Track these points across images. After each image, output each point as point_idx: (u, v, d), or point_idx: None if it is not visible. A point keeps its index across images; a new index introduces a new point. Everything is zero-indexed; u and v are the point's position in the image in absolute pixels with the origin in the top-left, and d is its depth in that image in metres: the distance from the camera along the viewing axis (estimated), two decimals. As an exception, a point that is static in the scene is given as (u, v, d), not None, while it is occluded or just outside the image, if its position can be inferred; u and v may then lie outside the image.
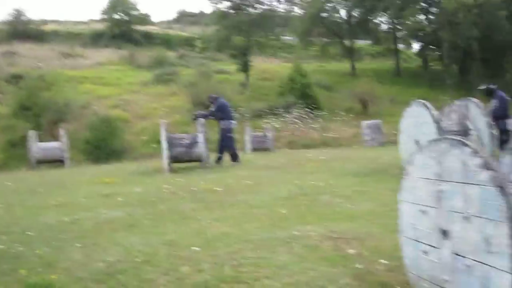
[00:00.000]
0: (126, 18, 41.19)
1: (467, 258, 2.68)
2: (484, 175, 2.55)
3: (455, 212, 2.78)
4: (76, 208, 6.82)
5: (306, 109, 24.03)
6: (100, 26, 42.94)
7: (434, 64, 37.99)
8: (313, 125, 23.07)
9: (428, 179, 3.05)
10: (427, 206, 3.07)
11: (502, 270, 2.42)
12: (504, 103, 10.51)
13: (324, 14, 35.42)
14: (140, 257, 4.23)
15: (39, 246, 4.68)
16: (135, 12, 41.90)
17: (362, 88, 25.88)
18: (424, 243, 3.10)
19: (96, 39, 41.32)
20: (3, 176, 13.71)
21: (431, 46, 36.89)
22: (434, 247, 2.99)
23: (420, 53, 38.17)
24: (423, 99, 25.22)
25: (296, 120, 23.06)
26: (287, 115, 23.51)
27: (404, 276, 3.36)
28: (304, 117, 23.43)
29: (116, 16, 41.25)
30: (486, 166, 2.54)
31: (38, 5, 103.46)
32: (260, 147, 17.87)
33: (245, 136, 18.58)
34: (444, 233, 2.89)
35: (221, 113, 12.55)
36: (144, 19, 43.01)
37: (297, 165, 11.17)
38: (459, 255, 2.75)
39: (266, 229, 5.00)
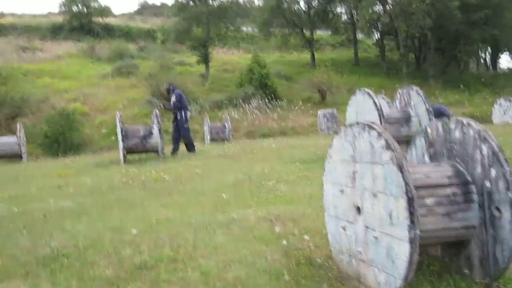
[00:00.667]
0: (86, 10, 40.51)
1: (375, 231, 2.95)
2: (386, 155, 2.85)
3: (366, 190, 3.05)
4: (27, 200, 6.98)
5: (265, 99, 24.34)
6: (59, 19, 42.16)
7: (391, 53, 38.72)
8: (271, 115, 23.39)
9: (345, 160, 3.32)
10: (344, 185, 3.33)
11: (401, 240, 2.69)
12: None
13: (284, 5, 35.59)
14: (85, 242, 4.44)
15: (-13, 235, 4.87)
16: (95, 4, 41.26)
17: (320, 78, 26.26)
18: (343, 220, 3.36)
19: (55, 32, 40.58)
20: (-42, 171, 13.60)
21: (388, 36, 37.62)
22: (351, 222, 3.26)
23: (378, 43, 38.80)
24: (380, 87, 25.94)
25: (255, 111, 23.34)
26: (246, 106, 23.77)
27: (328, 251, 3.65)
28: (263, 107, 23.74)
29: (76, 9, 40.51)
30: (388, 147, 2.86)
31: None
32: (218, 137, 18.06)
33: (204, 127, 18.78)
34: (358, 210, 3.16)
35: (179, 103, 12.72)
36: (105, 11, 42.35)
37: (249, 154, 11.45)
38: (369, 228, 3.03)
39: (208, 214, 5.27)
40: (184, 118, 12.59)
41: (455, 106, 25.73)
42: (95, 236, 4.65)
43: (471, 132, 3.04)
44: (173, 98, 12.68)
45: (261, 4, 35.88)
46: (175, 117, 12.70)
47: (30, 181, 9.33)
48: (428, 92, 26.49)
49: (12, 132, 19.09)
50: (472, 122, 3.07)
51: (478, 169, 3.00)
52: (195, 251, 4.04)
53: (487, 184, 2.93)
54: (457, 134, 3.17)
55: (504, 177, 2.82)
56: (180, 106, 12.64)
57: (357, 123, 3.19)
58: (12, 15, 47.91)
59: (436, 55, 33.14)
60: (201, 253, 3.96)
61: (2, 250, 4.38)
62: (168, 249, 4.10)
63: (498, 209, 2.86)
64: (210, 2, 30.49)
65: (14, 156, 17.04)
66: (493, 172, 2.89)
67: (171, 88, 13.00)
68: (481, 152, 2.97)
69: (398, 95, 9.76)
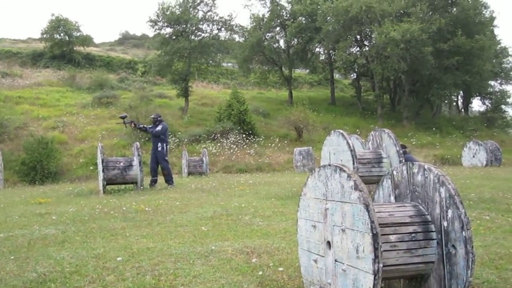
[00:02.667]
0: (67, 38, 40.56)
1: (343, 264, 3.23)
2: (355, 195, 3.18)
3: (336, 225, 3.34)
4: (11, 226, 7.12)
5: (243, 135, 24.70)
6: (40, 46, 42.14)
7: (367, 94, 39.63)
8: (248, 151, 23.69)
9: (317, 198, 3.64)
10: (317, 221, 3.63)
11: (366, 272, 2.97)
12: None
13: (264, 43, 36.30)
14: (70, 268, 4.65)
15: (-26, 259, 5.04)
16: (77, 33, 41.35)
17: (297, 116, 26.75)
18: (314, 253, 3.63)
19: (35, 58, 40.55)
20: None
21: (364, 77, 38.59)
22: (321, 256, 3.54)
23: (354, 83, 39.71)
24: (356, 127, 26.49)
25: (233, 146, 23.63)
26: (224, 140, 24.07)
27: (300, 282, 3.92)
28: (240, 143, 24.05)
29: (57, 36, 40.55)
30: (357, 187, 3.19)
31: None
32: (196, 171, 18.23)
33: (182, 160, 18.97)
34: (329, 244, 3.46)
35: (164, 136, 12.92)
36: (86, 40, 42.44)
37: (226, 188, 11.69)
38: (338, 261, 3.31)
39: (187, 245, 5.50)
40: (165, 151, 12.82)
41: (427, 148, 26.40)
42: (79, 262, 4.84)
43: (431, 176, 3.39)
44: (158, 128, 12.81)
45: (241, 41, 36.47)
46: (155, 148, 12.84)
47: (11, 207, 9.43)
48: (402, 133, 27.27)
49: (-11, 157, 19.06)
50: (433, 167, 3.43)
51: (437, 210, 3.32)
52: (176, 279, 4.26)
53: (445, 223, 3.25)
54: (419, 177, 3.52)
55: (459, 218, 3.14)
56: (164, 138, 12.86)
57: (329, 165, 3.50)
58: (-8, 39, 47.92)
59: (410, 97, 34.09)
60: (181, 282, 4.19)
61: (-11, 274, 4.57)
62: (150, 277, 4.33)
63: (454, 247, 3.17)
64: (192, 37, 30.96)
65: (-10, 182, 17.05)
66: (450, 213, 3.22)
67: (158, 119, 13.15)
68: (439, 195, 3.31)
69: (371, 137, 10.18)
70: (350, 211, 3.18)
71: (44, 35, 40.64)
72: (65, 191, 12.65)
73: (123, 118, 12.83)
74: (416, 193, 3.55)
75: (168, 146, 13.22)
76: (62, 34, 40.59)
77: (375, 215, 3.01)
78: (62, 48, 40.34)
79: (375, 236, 2.94)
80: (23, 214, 8.30)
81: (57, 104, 28.69)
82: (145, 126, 13.41)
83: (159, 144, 12.75)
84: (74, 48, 41.30)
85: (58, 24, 40.13)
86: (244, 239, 5.76)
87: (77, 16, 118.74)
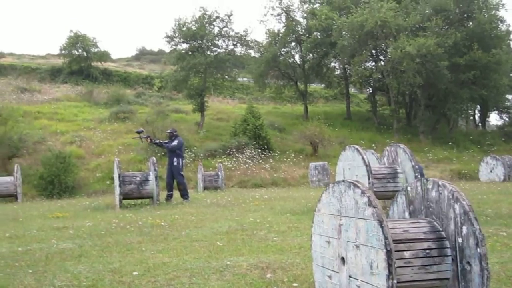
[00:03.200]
0: (85, 54, 41.13)
1: (358, 280, 3.23)
2: (369, 211, 3.21)
3: (350, 241, 3.36)
4: (29, 240, 7.22)
5: (258, 149, 24.75)
6: (58, 62, 42.80)
7: (382, 108, 39.51)
8: (264, 165, 23.72)
9: (331, 214, 3.67)
10: (331, 237, 3.64)
11: None
12: None
13: (280, 58, 36.43)
14: (87, 282, 4.70)
15: (-7, 273, 5.13)
16: (94, 49, 41.93)
17: (312, 130, 26.75)
18: (329, 269, 3.64)
19: (54, 74, 41.13)
20: (-45, 210, 13.81)
21: (380, 91, 38.52)
22: (336, 272, 3.54)
23: (370, 98, 39.64)
24: (371, 142, 26.38)
25: (248, 160, 23.68)
26: (240, 155, 24.13)
27: (315, 298, 3.91)
28: (256, 158, 24.10)
29: (76, 52, 41.14)
30: (371, 204, 3.21)
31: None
32: (211, 185, 18.32)
33: (198, 175, 19.06)
34: (343, 260, 3.48)
35: (179, 151, 13.04)
36: (103, 56, 43.00)
37: (242, 203, 11.72)
38: (352, 277, 3.31)
39: (202, 260, 5.52)
40: (180, 165, 12.92)
41: (444, 162, 26.21)
42: (95, 276, 4.89)
43: (446, 192, 3.40)
44: (174, 143, 12.94)
45: (257, 56, 36.64)
46: (171, 163, 12.96)
47: (29, 221, 9.56)
48: (418, 148, 27.11)
49: (8, 171, 19.34)
50: (447, 183, 3.44)
51: (452, 226, 3.32)
52: (191, 294, 4.31)
53: (459, 240, 3.24)
54: (433, 193, 3.53)
55: (474, 234, 3.14)
56: (179, 153, 12.97)
57: (343, 181, 3.54)
58: (12, 55, 48.68)
59: (426, 112, 33.91)
60: (196, 297, 4.24)
61: (9, 287, 4.64)
62: (166, 292, 4.38)
63: (468, 263, 3.16)
64: (208, 53, 31.23)
65: (9, 196, 17.29)
66: (464, 230, 3.21)
67: (174, 133, 13.26)
68: (454, 211, 3.31)
69: (386, 152, 10.17)
70: (364, 227, 3.19)
71: (63, 51, 41.30)
72: (82, 205, 12.79)
73: (139, 133, 13.00)
74: (430, 209, 3.55)
75: (184, 161, 13.33)
76: (80, 50, 41.18)
77: (389, 231, 3.02)
78: (80, 64, 40.90)
79: (389, 253, 2.95)
80: (41, 228, 8.41)
81: (75, 119, 29.05)
82: (161, 141, 13.54)
83: (175, 159, 12.87)
84: (92, 64, 41.83)
85: (76, 40, 40.77)
86: (259, 254, 5.77)
87: (95, 32, 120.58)
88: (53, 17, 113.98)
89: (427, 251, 3.32)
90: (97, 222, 8.92)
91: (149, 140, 13.29)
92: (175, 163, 12.86)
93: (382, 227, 3.03)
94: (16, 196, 17.19)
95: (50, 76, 40.77)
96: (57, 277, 4.91)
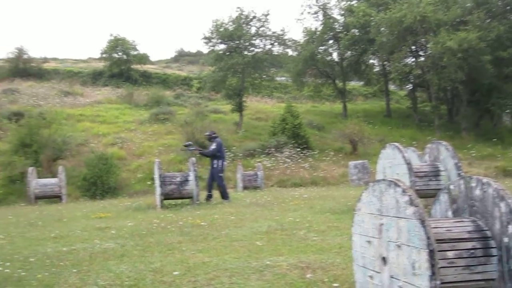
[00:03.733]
0: (125, 57, 41.84)
1: (400, 280, 3.18)
2: (410, 210, 3.15)
3: (391, 241, 3.31)
4: (73, 240, 7.41)
5: (297, 148, 24.66)
6: (100, 65, 43.67)
7: (423, 105, 38.77)
8: (303, 164, 23.63)
9: (372, 214, 3.63)
10: (371, 237, 3.60)
11: None
12: None
13: (318, 56, 36.18)
14: (129, 281, 4.79)
15: (39, 272, 5.26)
16: (134, 52, 42.59)
17: (351, 128, 26.50)
18: (370, 269, 3.59)
19: (95, 77, 41.95)
20: (4, 211, 14.35)
21: (420, 88, 37.80)
22: (377, 272, 3.49)
23: (410, 94, 38.97)
24: (412, 139, 25.94)
25: (287, 160, 23.63)
26: (279, 155, 24.11)
27: (356, 298, 3.86)
28: (295, 157, 24.02)
29: (116, 56, 41.89)
30: (412, 203, 3.15)
31: (39, 43, 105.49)
32: (251, 185, 18.39)
33: (237, 175, 19.15)
34: (384, 260, 3.44)
35: (219, 152, 13.15)
36: (143, 59, 43.63)
37: (281, 203, 11.71)
38: (394, 278, 3.26)
39: (242, 259, 5.54)
40: (220, 167, 13.01)
41: (488, 159, 25.51)
42: (137, 276, 4.97)
43: (490, 190, 3.31)
44: (213, 146, 13.07)
45: (295, 55, 36.49)
46: (212, 165, 13.09)
47: (73, 222, 9.81)
48: (460, 145, 26.47)
49: (52, 173, 19.85)
50: (492, 181, 3.35)
51: (497, 225, 3.23)
52: (231, 294, 4.32)
53: (505, 239, 3.15)
54: (477, 192, 3.44)
55: (520, 234, 3.07)
56: (219, 155, 13.07)
57: (384, 179, 3.49)
58: (55, 59, 49.93)
59: (469, 107, 33.08)
60: (236, 296, 4.25)
61: (54, 286, 4.76)
62: (206, 291, 4.41)
63: (515, 263, 3.09)
64: (246, 52, 31.31)
65: (54, 197, 17.77)
66: (510, 229, 3.12)
67: (212, 135, 13.40)
68: (499, 210, 3.22)
69: (428, 150, 9.97)
70: (405, 226, 3.13)
71: (104, 55, 42.13)
72: (124, 206, 13.02)
73: (187, 146, 13.52)
74: (474, 208, 3.46)
75: (224, 162, 13.41)
76: (120, 53, 41.91)
77: (431, 231, 2.95)
78: (120, 67, 41.59)
79: (431, 253, 2.89)
80: (84, 228, 8.61)
81: (116, 121, 29.55)
82: (204, 151, 13.75)
83: (215, 161, 13.05)
84: (132, 66, 42.49)
85: (116, 44, 41.52)
86: (298, 254, 5.74)
87: (135, 35, 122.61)
88: (95, 22, 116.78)
89: (472, 251, 3.24)
90: (138, 222, 9.06)
91: (197, 151, 13.60)
92: (214, 165, 13.04)
93: (424, 226, 2.97)
94: (61, 197, 17.66)
95: (92, 80, 41.60)
96: (100, 277, 5.01)
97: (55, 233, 8.06)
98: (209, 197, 12.91)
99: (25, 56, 41.52)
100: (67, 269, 5.41)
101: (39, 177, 18.57)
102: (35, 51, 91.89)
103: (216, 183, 13.08)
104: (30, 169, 17.88)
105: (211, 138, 13.30)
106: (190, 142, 13.86)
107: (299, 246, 6.26)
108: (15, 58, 40.88)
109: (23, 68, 40.34)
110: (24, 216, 11.83)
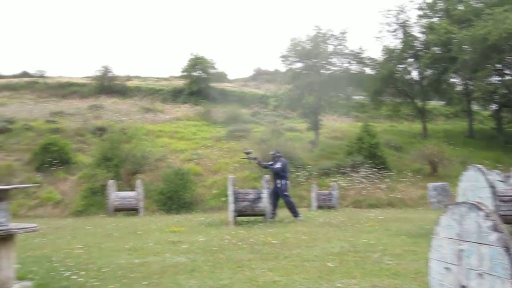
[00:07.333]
0: (204, 75, 42.83)
1: None
2: (494, 236, 2.93)
3: (472, 269, 3.11)
4: (146, 252, 7.54)
5: (374, 169, 24.10)
6: (180, 83, 44.95)
7: (509, 126, 36.92)
8: (380, 185, 23.06)
9: (451, 238, 3.42)
10: (450, 263, 3.41)
11: None
12: None
13: (396, 75, 35.41)
14: (198, 297, 4.80)
15: (111, 282, 5.36)
16: (213, 70, 43.52)
17: (431, 149, 25.60)
18: None
19: (175, 95, 43.15)
20: (84, 221, 14.95)
21: (506, 108, 36.03)
22: None
23: (495, 114, 37.24)
24: (496, 162, 24.71)
25: (363, 180, 23.13)
26: (354, 174, 23.65)
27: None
28: (371, 177, 23.48)
29: (195, 74, 42.95)
30: (496, 228, 2.93)
31: (123, 62, 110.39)
32: (325, 204, 18.15)
33: (312, 194, 18.96)
34: (464, 289, 3.24)
35: (283, 172, 13.09)
36: (221, 77, 44.45)
37: (355, 224, 11.42)
38: None
39: (313, 280, 5.40)
40: (284, 186, 12.93)
41: None
42: (206, 292, 4.97)
43: None
44: (277, 164, 13.04)
45: (372, 74, 35.89)
46: (275, 184, 13.03)
47: (147, 235, 10.02)
48: (550, 168, 24.89)
49: (131, 186, 20.52)
50: None
51: None
52: (300, 315, 4.21)
53: None
54: None
55: None
56: (283, 175, 13.00)
57: (464, 202, 3.28)
58: (137, 77, 51.87)
59: (560, 130, 31.20)
60: (305, 319, 4.12)
61: (124, 298, 4.83)
62: (274, 311, 4.32)
63: None
64: (323, 71, 31.16)
65: (131, 210, 18.34)
66: None
67: (277, 154, 13.38)
68: None
69: (513, 173, 9.43)
70: (487, 254, 2.95)
71: (184, 73, 43.37)
72: (198, 221, 13.18)
73: (247, 153, 13.62)
74: None
75: (288, 182, 13.32)
76: (199, 72, 42.95)
77: (516, 260, 2.73)
78: (199, 85, 42.58)
79: (517, 284, 2.66)
80: (157, 241, 8.75)
81: (194, 137, 30.15)
82: (266, 163, 13.70)
83: (278, 181, 12.98)
84: (210, 84, 43.39)
85: (196, 62, 42.60)
86: (372, 277, 5.54)
87: (213, 54, 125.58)
88: (177, 41, 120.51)
89: (562, 283, 2.96)
90: (210, 238, 9.11)
91: (256, 161, 13.62)
92: (278, 185, 12.95)
93: (509, 254, 2.77)
94: (138, 210, 18.18)
95: (172, 97, 42.79)
96: (170, 290, 5.03)
97: (129, 245, 8.24)
98: (273, 215, 12.81)
99: (110, 74, 43.46)
100: (138, 281, 5.48)
101: (119, 190, 19.26)
102: (119, 70, 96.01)
103: (284, 202, 13.02)
104: (111, 181, 18.56)
105: (275, 157, 13.28)
106: (250, 151, 13.94)
107: (372, 269, 6.04)
108: (101, 76, 42.89)
109: (108, 86, 42.25)
110: (102, 227, 12.27)
